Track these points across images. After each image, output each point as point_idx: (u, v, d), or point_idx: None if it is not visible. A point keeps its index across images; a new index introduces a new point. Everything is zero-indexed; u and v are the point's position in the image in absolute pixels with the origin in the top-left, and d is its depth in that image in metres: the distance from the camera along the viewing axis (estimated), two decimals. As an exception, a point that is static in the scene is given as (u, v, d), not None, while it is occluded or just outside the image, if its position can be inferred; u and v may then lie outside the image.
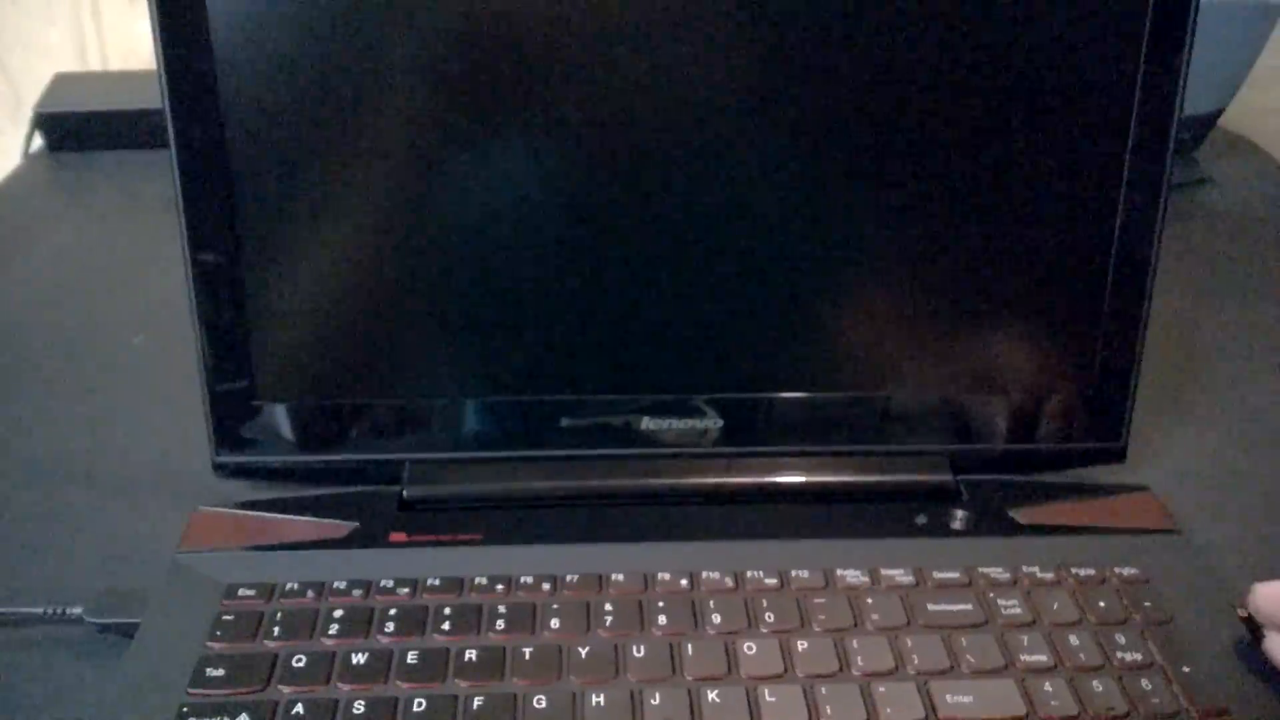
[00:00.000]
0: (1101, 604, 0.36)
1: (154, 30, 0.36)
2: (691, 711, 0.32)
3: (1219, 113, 0.67)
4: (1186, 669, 0.34)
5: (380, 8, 0.36)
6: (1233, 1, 0.60)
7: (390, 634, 0.34)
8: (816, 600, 0.36)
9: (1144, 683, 0.33)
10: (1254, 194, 0.69)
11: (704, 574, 0.37)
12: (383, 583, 0.36)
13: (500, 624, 0.35)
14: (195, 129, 0.37)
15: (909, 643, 0.34)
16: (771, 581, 0.37)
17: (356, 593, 0.36)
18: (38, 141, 0.74)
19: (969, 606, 0.36)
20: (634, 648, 0.34)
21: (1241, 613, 0.35)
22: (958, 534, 0.39)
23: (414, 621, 0.35)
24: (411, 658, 0.34)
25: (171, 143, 0.37)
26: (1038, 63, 0.37)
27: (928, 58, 0.37)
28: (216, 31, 0.36)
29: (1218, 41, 0.61)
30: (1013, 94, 0.37)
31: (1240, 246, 0.63)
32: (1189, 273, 0.59)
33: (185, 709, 0.32)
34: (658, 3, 0.36)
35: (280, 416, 0.40)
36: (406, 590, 0.36)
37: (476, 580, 0.36)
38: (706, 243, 0.39)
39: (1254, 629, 0.35)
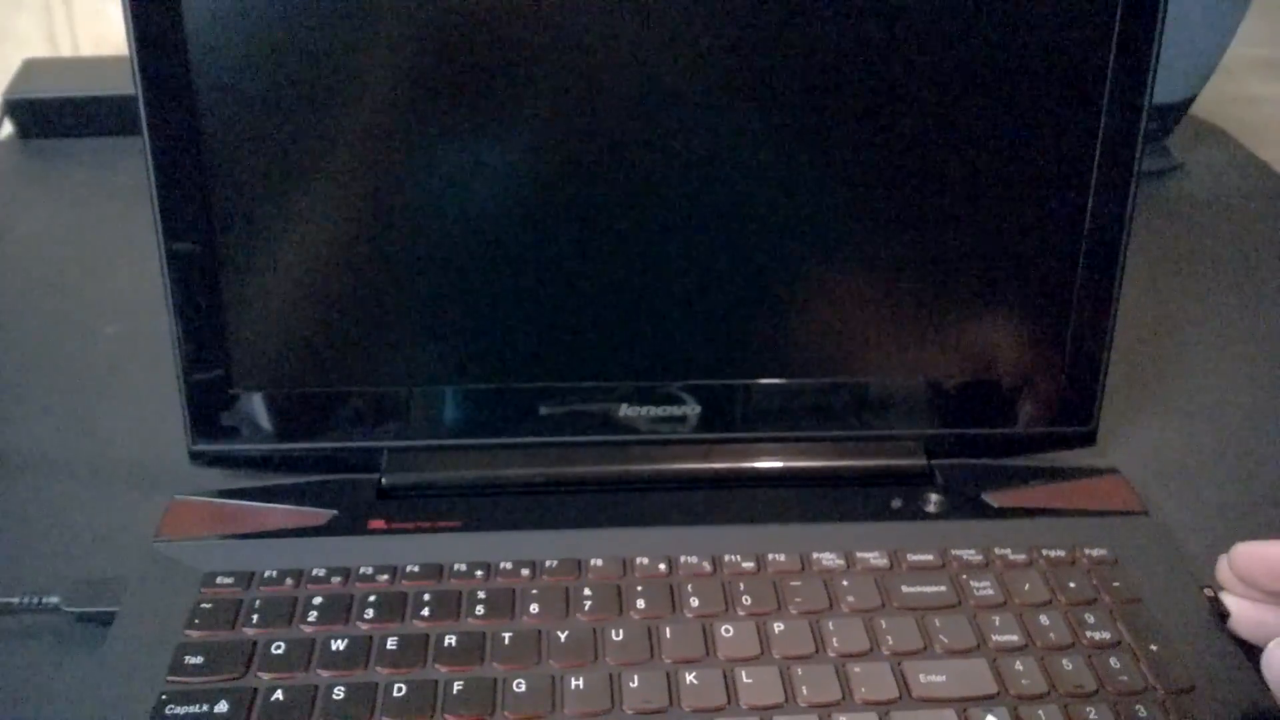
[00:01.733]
0: (1071, 584, 0.37)
1: (126, 15, 0.35)
2: (670, 693, 0.33)
3: (1190, 101, 0.68)
4: (1154, 648, 0.34)
5: (355, -6, 0.36)
6: (1204, -11, 0.61)
7: (370, 620, 0.35)
8: (793, 583, 0.36)
9: (1112, 661, 0.34)
10: (1225, 182, 0.70)
11: (682, 558, 0.37)
12: (362, 570, 0.36)
13: (480, 609, 0.35)
14: (169, 115, 0.36)
15: (883, 624, 0.35)
16: (748, 565, 0.37)
17: (336, 580, 0.36)
18: (7, 129, 0.73)
19: (942, 588, 0.36)
20: (612, 631, 0.34)
21: (1208, 592, 0.36)
22: (931, 517, 0.40)
23: (393, 608, 0.35)
24: (391, 644, 0.34)
25: (144, 130, 0.37)
26: (1009, 50, 0.38)
27: (897, 44, 0.37)
28: (190, 16, 0.35)
29: (1189, 29, 0.61)
30: (984, 81, 0.38)
31: (1210, 234, 0.64)
32: (1159, 260, 0.60)
33: (165, 697, 0.32)
34: (634, -10, 0.36)
35: (257, 405, 0.40)
36: (386, 577, 0.36)
37: (456, 566, 0.37)
38: (682, 230, 0.39)
39: (1219, 608, 0.35)
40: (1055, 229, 0.40)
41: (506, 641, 0.34)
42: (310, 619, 0.35)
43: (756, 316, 0.40)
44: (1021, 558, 0.38)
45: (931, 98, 0.38)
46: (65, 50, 0.86)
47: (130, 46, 0.36)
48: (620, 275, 0.39)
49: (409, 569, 0.36)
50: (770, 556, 0.37)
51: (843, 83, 0.38)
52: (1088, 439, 0.43)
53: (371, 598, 0.35)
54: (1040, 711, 0.32)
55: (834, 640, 0.34)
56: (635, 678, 0.33)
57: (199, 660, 0.33)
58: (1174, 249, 0.62)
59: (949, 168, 0.39)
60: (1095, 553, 0.38)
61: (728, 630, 0.35)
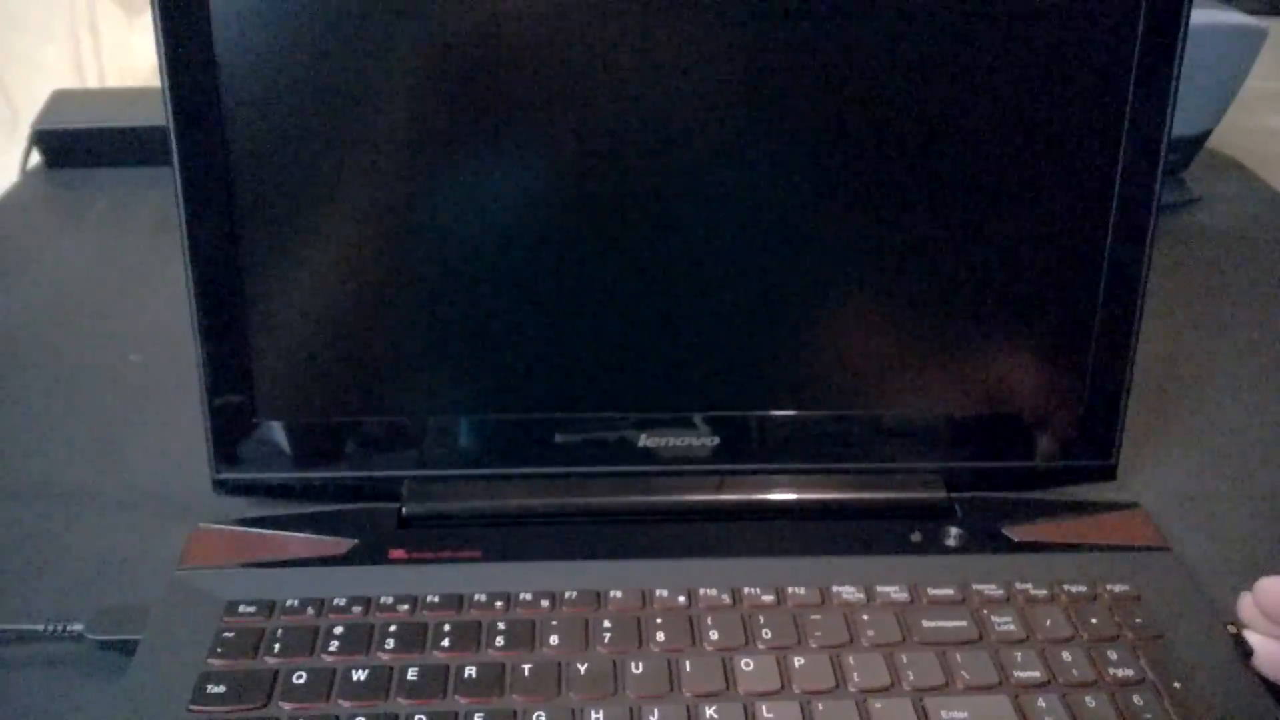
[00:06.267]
0: (1093, 620, 0.36)
1: (158, 47, 0.36)
2: (690, 727, 0.32)
3: (1207, 134, 0.68)
4: (1177, 685, 0.34)
5: (385, 26, 0.36)
6: (1221, 23, 0.61)
7: (390, 651, 0.35)
8: (813, 617, 0.36)
9: (1136, 699, 0.34)
10: (1242, 214, 0.70)
11: (701, 591, 0.37)
12: (383, 599, 0.36)
13: (500, 640, 0.35)
14: (199, 146, 0.37)
15: (904, 659, 0.35)
16: (768, 598, 0.37)
17: (356, 609, 0.36)
18: (35, 158, 0.74)
19: (963, 623, 0.36)
20: (632, 664, 0.34)
21: (1231, 629, 0.36)
22: (952, 551, 0.40)
23: (414, 638, 0.35)
24: (412, 674, 0.34)
25: (174, 160, 0.37)
26: (1028, 85, 0.38)
27: (917, 81, 0.38)
28: (221, 49, 0.36)
29: (1206, 63, 0.62)
30: (1003, 115, 0.38)
31: (1228, 266, 0.64)
32: (1178, 292, 0.60)
33: (187, 726, 0.32)
34: (658, 21, 0.36)
35: (280, 433, 0.40)
36: (406, 607, 0.36)
37: (476, 597, 0.37)
38: (702, 261, 0.39)
39: (1243, 646, 0.35)
40: (1075, 262, 0.40)
41: (527, 673, 0.34)
42: (331, 649, 0.35)
43: (777, 348, 0.41)
44: (1043, 593, 0.37)
45: (951, 132, 0.38)
46: (92, 81, 0.88)
47: (162, 78, 0.36)
48: (640, 306, 0.40)
49: (429, 599, 0.37)
50: (790, 589, 0.37)
51: (862, 116, 0.38)
52: (1108, 473, 0.43)
53: (392, 628, 0.35)
54: (1063, 749, 0.32)
55: (855, 675, 0.34)
56: (655, 711, 0.33)
57: (221, 689, 0.33)
58: (1192, 281, 0.61)
59: (968, 201, 0.39)
60: (1117, 588, 0.38)
61: (748, 664, 0.35)
